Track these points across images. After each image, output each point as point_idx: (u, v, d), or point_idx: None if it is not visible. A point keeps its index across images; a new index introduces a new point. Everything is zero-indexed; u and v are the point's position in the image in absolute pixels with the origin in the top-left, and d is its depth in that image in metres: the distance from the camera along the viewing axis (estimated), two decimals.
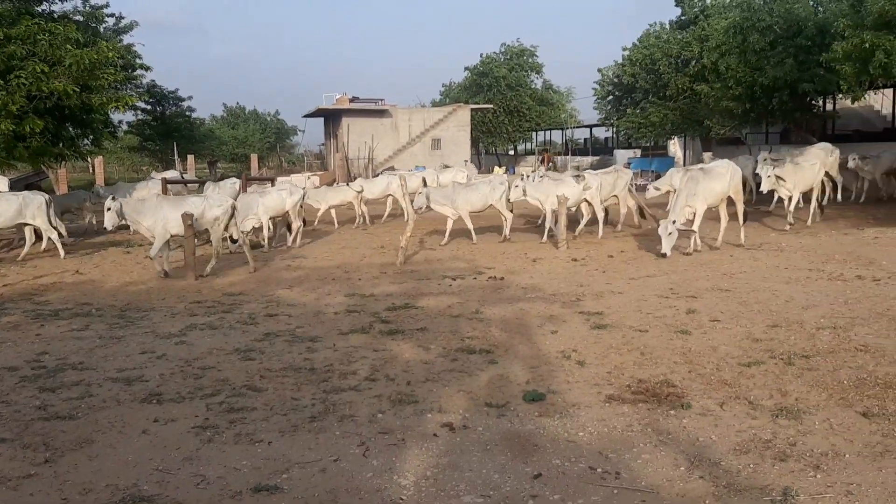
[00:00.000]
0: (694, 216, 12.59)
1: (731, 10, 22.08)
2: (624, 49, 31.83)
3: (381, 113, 43.31)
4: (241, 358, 6.86)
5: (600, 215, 15.24)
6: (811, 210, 15.82)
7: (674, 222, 12.05)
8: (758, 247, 13.42)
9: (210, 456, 4.64)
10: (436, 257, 13.60)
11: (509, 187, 15.26)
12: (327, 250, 15.01)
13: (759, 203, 18.93)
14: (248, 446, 4.77)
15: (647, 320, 7.96)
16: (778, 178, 14.31)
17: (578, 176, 15.13)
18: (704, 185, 12.66)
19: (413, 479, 4.22)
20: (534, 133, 58.29)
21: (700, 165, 13.92)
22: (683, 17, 28.18)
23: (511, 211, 15.54)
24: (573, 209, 15.38)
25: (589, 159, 48.99)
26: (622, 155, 44.41)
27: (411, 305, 9.12)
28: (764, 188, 14.50)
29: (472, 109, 45.77)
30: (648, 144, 43.94)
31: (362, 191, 19.03)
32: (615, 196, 16.07)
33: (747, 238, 13.61)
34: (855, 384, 5.62)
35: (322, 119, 50.54)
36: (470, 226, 15.15)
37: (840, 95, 22.43)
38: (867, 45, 14.34)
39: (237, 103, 71.07)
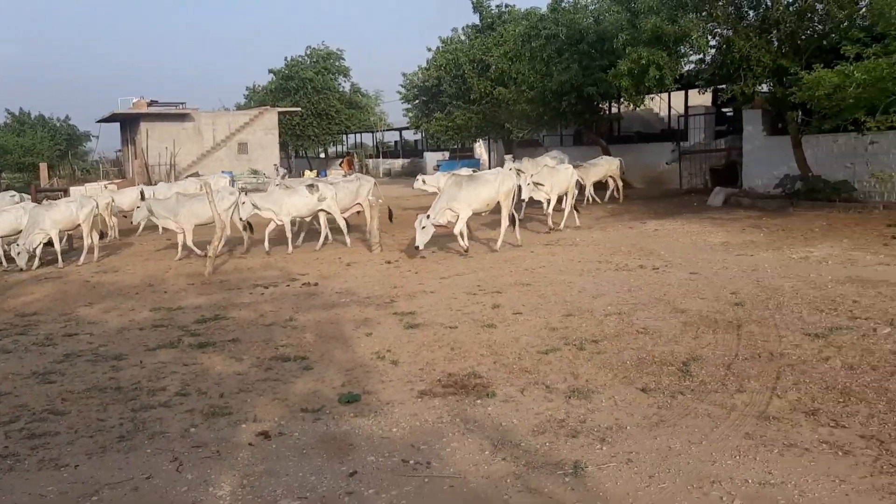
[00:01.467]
0: (457, 219, 12.93)
1: (521, 20, 23.37)
2: (429, 49, 32.68)
3: (182, 117, 41.63)
4: (39, 381, 6.49)
5: (342, 224, 14.98)
6: (566, 213, 16.30)
7: (427, 217, 12.42)
8: (555, 242, 14.38)
9: (12, 485, 4.41)
10: (246, 266, 13.38)
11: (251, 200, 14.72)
12: (129, 263, 14.32)
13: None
14: (54, 472, 4.57)
15: (457, 317, 8.36)
16: (536, 183, 14.96)
17: (312, 186, 14.83)
18: (468, 190, 13.05)
19: (229, 489, 4.24)
20: (344, 136, 58.41)
21: (468, 171, 14.44)
22: (482, 23, 29.38)
23: (247, 226, 15.02)
24: (309, 219, 15.46)
25: (400, 161, 49.89)
26: (431, 157, 45.71)
27: (222, 316, 8.96)
28: (525, 195, 14.95)
29: (279, 112, 45.08)
30: (456, 147, 45.45)
31: (112, 201, 18.10)
32: (359, 203, 15.76)
33: (540, 235, 14.54)
34: (636, 363, 6.27)
35: (119, 124, 47.76)
36: (189, 241, 14.41)
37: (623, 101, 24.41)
38: (643, 62, 15.80)
39: (21, 109, 65.23)
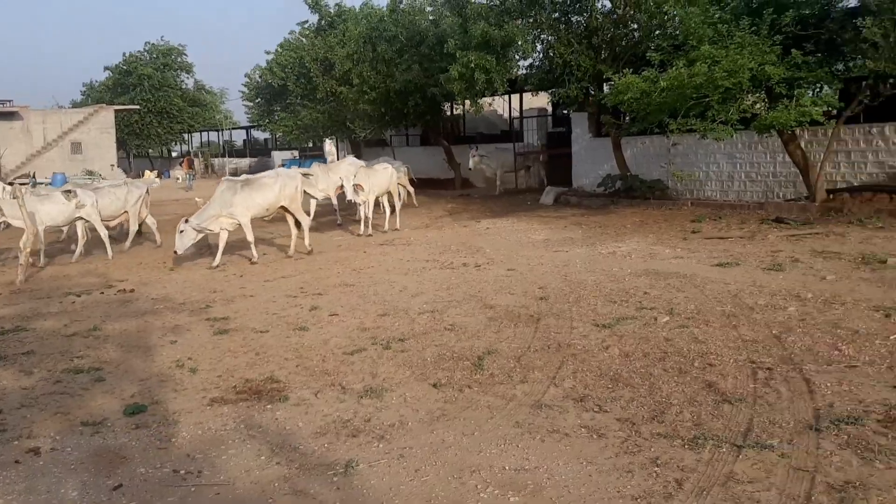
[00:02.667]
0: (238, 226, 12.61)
1: (362, 20, 23.45)
2: (267, 52, 32.14)
3: (9, 115, 38.86)
4: None
5: (102, 233, 14.07)
6: (387, 214, 16.51)
7: (186, 221, 12.02)
8: (389, 242, 14.56)
9: None
10: (63, 273, 12.69)
11: None
12: None
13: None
14: None
15: (271, 321, 8.31)
16: (356, 185, 14.98)
17: (69, 192, 13.77)
18: (244, 195, 12.55)
19: None
20: (189, 135, 56.37)
21: (246, 176, 13.88)
22: (321, 22, 29.22)
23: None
24: (64, 227, 14.81)
25: (247, 161, 48.69)
26: (279, 156, 44.94)
27: (22, 328, 8.47)
28: (350, 197, 15.01)
29: (116, 111, 42.89)
30: (307, 146, 44.92)
31: None
32: (126, 212, 15.02)
33: (376, 234, 14.68)
34: (435, 360, 6.48)
35: None
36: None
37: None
38: (473, 66, 16.27)
39: None
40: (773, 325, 6.93)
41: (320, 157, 39.90)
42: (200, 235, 12.36)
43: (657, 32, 15.33)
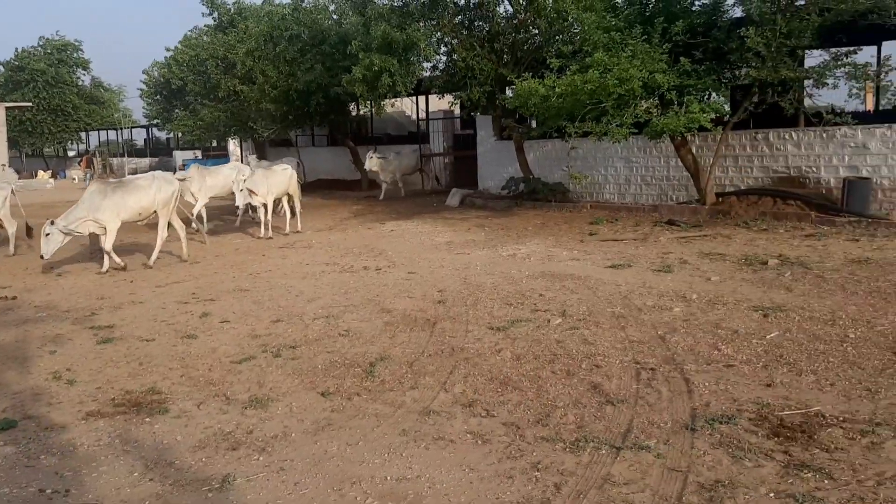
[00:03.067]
0: (106, 230, 11.85)
1: (263, 19, 22.99)
2: (168, 49, 31.15)
3: None
4: None
5: None
6: (287, 217, 16.29)
7: (52, 223, 11.30)
8: (290, 245, 14.31)
9: None
10: None
11: None
12: None
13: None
14: None
15: (158, 328, 8.02)
16: (250, 190, 14.76)
17: None
18: (114, 199, 11.87)
19: None
20: (86, 133, 54.07)
21: (123, 179, 13.16)
22: (220, 20, 28.52)
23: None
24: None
25: (147, 161, 47.03)
26: (181, 156, 43.59)
27: None
28: (239, 203, 14.68)
29: (6, 108, 40.62)
30: (210, 146, 43.72)
31: None
32: None
33: (278, 237, 14.40)
34: (326, 367, 6.37)
35: None
36: None
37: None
38: (376, 68, 16.17)
39: None
40: (658, 326, 7.13)
41: (225, 157, 39.10)
42: (68, 239, 11.67)
43: (557, 38, 15.59)
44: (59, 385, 6.11)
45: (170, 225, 12.75)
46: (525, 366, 6.15)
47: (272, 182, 15.82)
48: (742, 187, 14.85)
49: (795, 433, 4.57)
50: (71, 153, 55.12)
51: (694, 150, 15.11)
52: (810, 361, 5.89)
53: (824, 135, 13.46)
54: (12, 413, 5.49)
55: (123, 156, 49.75)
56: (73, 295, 10.19)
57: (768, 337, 6.57)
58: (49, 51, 46.64)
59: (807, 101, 13.55)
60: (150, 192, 12.27)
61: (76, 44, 47.91)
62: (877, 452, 4.27)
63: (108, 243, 11.89)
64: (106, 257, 12.04)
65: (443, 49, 18.00)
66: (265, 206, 15.53)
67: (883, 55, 13.66)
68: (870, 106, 18.44)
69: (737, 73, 13.52)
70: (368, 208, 20.41)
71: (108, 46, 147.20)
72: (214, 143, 42.76)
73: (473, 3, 17.31)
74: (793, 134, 14.00)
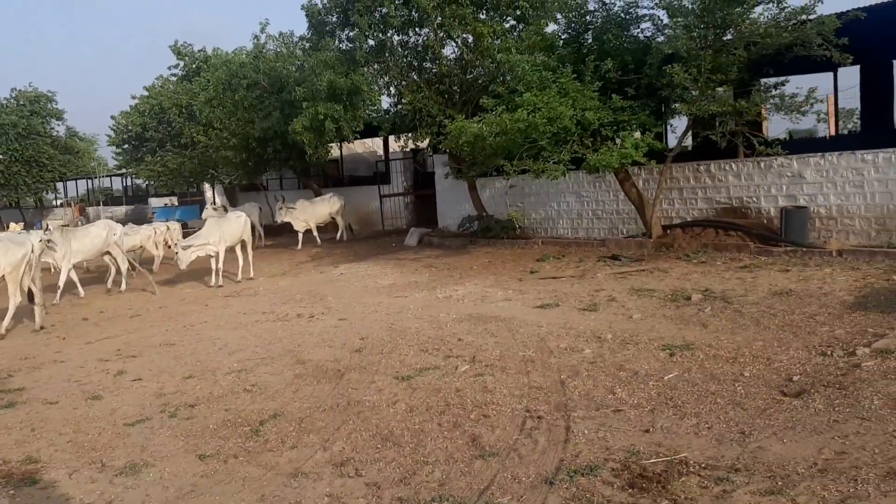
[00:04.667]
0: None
1: (221, 67, 23.14)
2: (133, 97, 31.34)
3: None
4: None
5: None
6: (240, 263, 16.40)
7: None
8: (237, 294, 14.25)
9: None
10: None
11: None
12: None
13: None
14: None
15: (67, 390, 7.92)
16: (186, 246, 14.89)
17: None
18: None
19: None
20: (63, 183, 54.02)
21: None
22: (185, 69, 28.72)
23: None
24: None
25: (123, 209, 47.01)
26: (155, 202, 43.62)
27: None
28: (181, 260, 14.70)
29: None
30: (186, 191, 43.76)
31: None
32: None
33: (230, 285, 14.35)
34: (217, 427, 6.28)
35: None
36: None
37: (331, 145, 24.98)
38: (321, 116, 16.28)
39: None
40: (563, 370, 7.08)
41: (201, 202, 39.12)
42: None
43: (500, 79, 15.72)
44: None
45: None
46: (415, 418, 6.08)
47: (225, 230, 15.81)
48: (688, 219, 14.90)
49: (651, 483, 4.51)
50: (59, 202, 54.92)
51: (640, 184, 15.21)
52: (697, 403, 5.85)
53: (762, 164, 13.55)
54: None
55: (100, 204, 49.76)
56: None
57: (666, 378, 6.53)
58: (22, 102, 46.68)
59: (787, 126, 13.68)
60: (101, 235, 11.92)
61: (49, 94, 47.95)
62: (724, 501, 4.21)
63: None
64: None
65: (392, 91, 18.13)
66: (217, 254, 15.51)
67: (831, 84, 13.80)
68: (832, 131, 18.63)
69: (671, 107, 13.62)
70: (328, 251, 20.39)
71: (82, 96, 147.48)
72: (194, 189, 42.87)
73: (420, 46, 17.46)
74: (732, 165, 14.09)
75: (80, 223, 37.42)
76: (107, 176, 52.79)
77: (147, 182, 48.85)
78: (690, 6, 12.02)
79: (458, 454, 5.27)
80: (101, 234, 15.14)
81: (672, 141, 15.24)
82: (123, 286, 15.69)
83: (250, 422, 6.34)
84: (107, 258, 15.90)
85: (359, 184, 27.31)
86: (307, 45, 18.73)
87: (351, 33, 16.80)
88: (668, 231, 14.63)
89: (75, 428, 6.56)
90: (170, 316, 12.30)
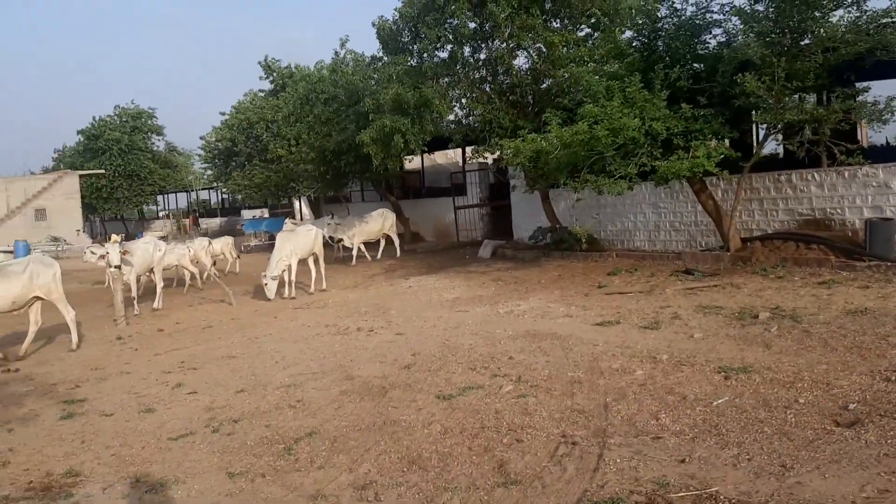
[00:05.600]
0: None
1: (300, 83, 23.66)
2: (222, 114, 32.48)
3: None
4: None
5: None
6: (312, 276, 16.54)
7: None
8: (307, 306, 14.46)
9: None
10: None
11: None
12: None
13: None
14: None
15: (125, 402, 8.15)
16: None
17: None
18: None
19: None
20: (162, 196, 56.62)
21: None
22: (274, 85, 29.56)
23: None
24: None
25: (218, 220, 48.82)
26: (248, 214, 45.08)
27: None
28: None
29: (80, 176, 42.97)
30: (277, 203, 45.07)
31: None
32: None
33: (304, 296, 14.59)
34: (254, 444, 6.33)
35: None
36: None
37: (409, 157, 25.17)
38: (387, 129, 16.39)
39: None
40: (610, 393, 6.82)
41: (290, 214, 40.20)
42: None
43: (567, 90, 15.45)
44: None
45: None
46: (447, 440, 5.96)
47: (297, 244, 16.15)
48: (768, 231, 14.23)
49: None
50: (162, 213, 57.53)
51: (719, 195, 14.64)
52: (742, 432, 5.50)
53: (846, 174, 12.80)
54: None
55: (195, 216, 51.85)
56: (73, 366, 10.49)
57: (714, 403, 6.19)
58: (124, 119, 49.20)
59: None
60: (22, 278, 11.26)
61: (150, 111, 50.46)
62: None
63: None
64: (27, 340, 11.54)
65: (463, 102, 18.07)
66: (290, 266, 15.84)
67: None
68: None
69: (746, 116, 13.04)
70: (402, 263, 20.52)
71: (181, 112, 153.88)
72: (285, 201, 44.15)
73: (491, 57, 17.36)
74: (815, 174, 13.36)
75: (192, 235, 39.29)
76: (203, 189, 54.95)
77: (232, 195, 50.82)
78: (764, 11, 11.49)
79: (482, 481, 5.11)
80: (149, 250, 15.79)
81: (752, 150, 14.60)
82: (157, 304, 15.99)
83: (286, 439, 6.36)
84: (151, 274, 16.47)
85: (437, 195, 27.39)
86: (378, 63, 18.94)
87: (420, 46, 16.86)
88: (748, 244, 13.99)
89: (122, 441, 6.74)
90: (239, 328, 12.57)
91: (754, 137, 15.39)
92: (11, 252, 34.15)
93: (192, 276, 18.71)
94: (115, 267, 13.64)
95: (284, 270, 15.82)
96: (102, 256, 14.46)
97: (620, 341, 8.77)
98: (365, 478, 5.37)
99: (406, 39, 17.83)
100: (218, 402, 7.84)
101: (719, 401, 6.24)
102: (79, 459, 6.30)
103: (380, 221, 22.09)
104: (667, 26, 13.66)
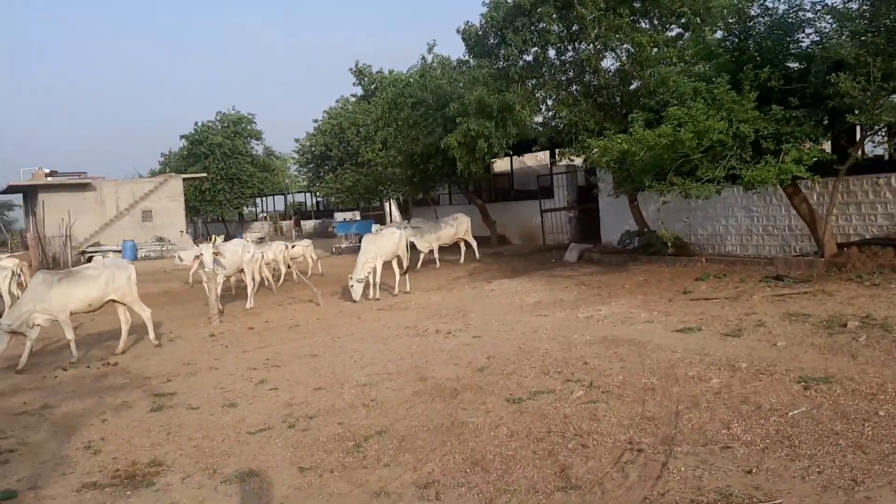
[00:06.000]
0: None
1: (388, 87, 24.07)
2: (315, 120, 33.36)
3: (83, 187, 41.11)
4: None
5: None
6: (396, 278, 16.69)
7: None
8: (390, 307, 14.72)
9: None
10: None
11: None
12: None
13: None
14: None
15: (211, 397, 8.53)
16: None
17: None
18: (60, 289, 11.38)
19: None
20: (260, 199, 58.62)
21: (71, 269, 12.98)
22: (364, 90, 30.18)
23: None
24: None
25: (312, 222, 50.14)
26: (340, 217, 46.15)
27: None
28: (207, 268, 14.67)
29: (184, 179, 44.94)
30: (368, 206, 46.01)
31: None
32: None
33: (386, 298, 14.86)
34: (326, 440, 6.52)
35: (22, 195, 47.21)
36: None
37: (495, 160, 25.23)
38: (472, 133, 16.48)
39: None
40: (683, 400, 6.69)
41: (381, 216, 40.94)
42: (12, 339, 10.94)
43: (659, 89, 15.18)
44: (84, 455, 6.67)
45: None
46: (512, 444, 5.99)
47: (381, 246, 16.45)
48: (866, 236, 13.60)
49: None
50: (261, 215, 59.64)
51: (814, 198, 14.11)
52: (816, 444, 5.32)
53: None
54: (25, 483, 6.04)
55: (290, 218, 53.47)
56: (166, 360, 11.04)
57: (790, 414, 5.99)
58: (225, 124, 51.17)
59: None
60: (99, 281, 11.73)
61: (249, 117, 52.29)
62: None
63: (68, 332, 11.40)
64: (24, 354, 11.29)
65: (549, 104, 18.00)
66: (374, 269, 16.14)
67: None
68: None
69: (840, 117, 12.48)
70: (486, 266, 20.58)
71: (279, 117, 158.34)
72: (377, 203, 45.05)
73: (578, 59, 17.23)
74: None
75: (294, 235, 40.69)
76: (299, 192, 56.58)
77: (324, 198, 52.14)
78: (858, 10, 11.00)
79: (542, 484, 5.13)
80: (238, 252, 16.31)
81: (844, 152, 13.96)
82: (250, 304, 16.45)
83: (356, 437, 6.52)
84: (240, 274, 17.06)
85: (526, 198, 27.32)
86: (464, 67, 19.09)
87: (505, 51, 16.90)
88: (843, 249, 13.40)
89: (204, 434, 7.06)
90: (323, 327, 12.92)
91: (854, 139, 14.73)
92: (119, 251, 36.22)
93: (264, 280, 19.00)
94: (207, 269, 14.26)
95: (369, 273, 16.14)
96: (197, 257, 15.12)
97: (700, 348, 8.57)
98: (428, 477, 5.47)
99: (492, 43, 17.91)
100: (297, 398, 8.10)
101: (795, 411, 6.04)
102: (163, 450, 6.65)
103: (453, 227, 21.88)
104: (758, 26, 13.23)
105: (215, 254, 14.47)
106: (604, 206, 21.03)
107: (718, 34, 14.97)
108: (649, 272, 15.63)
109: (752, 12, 13.53)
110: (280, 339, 12.23)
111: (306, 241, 20.80)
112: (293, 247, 20.33)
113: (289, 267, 20.05)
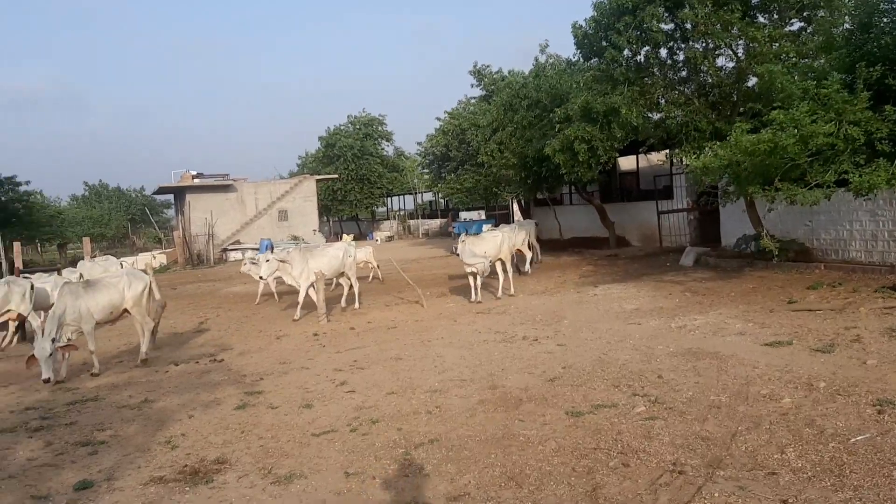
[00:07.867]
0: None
1: (504, 89, 24.09)
2: (437, 120, 33.89)
3: (225, 188, 43.72)
4: None
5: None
6: (500, 280, 16.79)
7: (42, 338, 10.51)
8: (488, 311, 14.80)
9: None
10: (186, 339, 14.28)
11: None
12: None
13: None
14: None
15: (292, 396, 8.94)
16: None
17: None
18: (86, 298, 11.46)
19: None
20: (389, 199, 60.14)
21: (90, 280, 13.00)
22: (484, 91, 30.34)
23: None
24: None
25: (437, 222, 50.92)
26: (465, 216, 46.62)
27: (100, 398, 9.72)
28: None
29: (317, 180, 46.83)
30: (494, 205, 46.23)
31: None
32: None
33: (488, 301, 14.96)
34: (380, 447, 6.72)
35: (172, 196, 50.78)
36: None
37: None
38: (572, 138, 16.25)
39: (100, 180, 70.42)
40: (745, 421, 6.43)
41: (505, 214, 41.08)
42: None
43: (767, 89, 14.44)
44: (162, 449, 7.19)
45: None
46: (554, 459, 5.97)
47: (480, 249, 16.55)
48: None
49: None
50: (393, 214, 61.36)
51: None
52: (867, 474, 5.00)
53: None
54: (104, 474, 6.59)
55: (418, 217, 54.52)
56: (267, 359, 11.64)
57: (852, 440, 5.64)
58: (357, 126, 52.87)
59: None
60: (118, 287, 11.98)
61: (380, 118, 53.79)
62: None
63: (91, 344, 11.48)
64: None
65: (661, 103, 17.45)
66: (474, 273, 16.28)
67: None
68: None
69: None
70: (598, 269, 20.26)
71: (409, 117, 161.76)
72: (504, 202, 45.22)
73: (691, 58, 16.63)
74: None
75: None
76: (426, 191, 57.59)
77: (446, 198, 52.74)
78: None
79: (569, 503, 5.09)
80: (339, 255, 16.76)
81: None
82: (357, 304, 16.95)
83: (409, 444, 6.69)
84: (342, 279, 17.63)
85: (644, 199, 26.64)
86: (575, 67, 18.83)
87: (610, 54, 16.53)
88: None
89: (273, 434, 7.44)
90: (418, 330, 13.19)
91: None
92: (257, 249, 38.26)
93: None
94: (259, 278, 15.45)
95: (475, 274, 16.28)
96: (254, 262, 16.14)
97: (783, 364, 8.16)
98: (462, 489, 5.55)
99: (603, 45, 17.57)
100: (368, 402, 8.36)
101: (858, 437, 5.68)
102: (232, 448, 7.07)
103: (520, 234, 19.87)
104: (881, 22, 12.34)
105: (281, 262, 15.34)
106: (724, 208, 20.15)
107: (842, 28, 14.11)
108: (762, 279, 14.92)
109: (882, 6, 12.67)
110: (375, 340, 12.60)
111: (368, 248, 21.27)
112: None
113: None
